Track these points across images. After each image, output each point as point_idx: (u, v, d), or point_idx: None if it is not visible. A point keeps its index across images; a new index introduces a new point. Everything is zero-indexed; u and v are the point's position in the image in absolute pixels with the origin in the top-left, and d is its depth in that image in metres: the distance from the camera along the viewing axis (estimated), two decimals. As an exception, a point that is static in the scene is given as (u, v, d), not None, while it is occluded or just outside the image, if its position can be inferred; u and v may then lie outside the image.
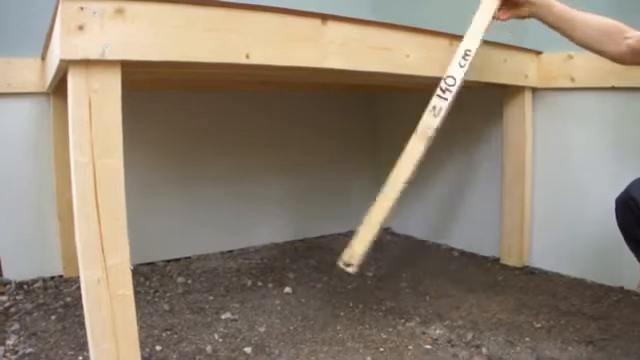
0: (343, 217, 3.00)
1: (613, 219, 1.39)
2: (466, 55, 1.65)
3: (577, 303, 1.91)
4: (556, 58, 2.16)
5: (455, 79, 1.61)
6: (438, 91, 1.60)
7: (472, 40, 1.68)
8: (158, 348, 1.57)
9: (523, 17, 1.66)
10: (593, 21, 1.54)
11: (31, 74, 2.03)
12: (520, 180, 2.28)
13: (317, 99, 2.82)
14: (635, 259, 1.39)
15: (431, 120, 1.58)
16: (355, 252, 1.53)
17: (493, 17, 1.67)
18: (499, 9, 1.67)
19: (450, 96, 1.59)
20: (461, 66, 1.63)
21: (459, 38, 1.87)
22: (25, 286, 2.06)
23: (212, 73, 1.82)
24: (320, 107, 2.85)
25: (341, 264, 1.54)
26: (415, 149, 1.59)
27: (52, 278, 2.14)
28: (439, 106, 1.58)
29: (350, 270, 1.52)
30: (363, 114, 3.02)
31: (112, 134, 1.20)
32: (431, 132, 1.57)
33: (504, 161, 2.33)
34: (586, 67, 2.07)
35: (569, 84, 2.12)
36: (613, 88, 1.92)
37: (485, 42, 1.99)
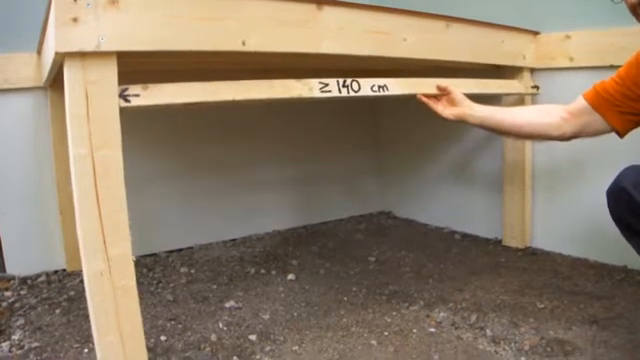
0: (345, 203, 3.01)
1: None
2: (384, 87, 1.65)
3: (580, 283, 1.92)
4: (554, 38, 2.15)
5: (360, 89, 1.60)
6: (341, 80, 1.57)
7: (397, 85, 1.68)
8: (163, 338, 1.58)
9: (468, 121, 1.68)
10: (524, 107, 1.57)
11: (28, 69, 2.02)
12: (521, 161, 2.28)
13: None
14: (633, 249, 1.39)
15: (315, 89, 1.52)
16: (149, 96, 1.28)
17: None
18: (437, 104, 1.72)
19: (344, 94, 1.57)
20: (372, 90, 1.62)
21: (456, 20, 1.87)
22: (29, 281, 2.07)
23: (210, 62, 1.81)
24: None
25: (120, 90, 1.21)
26: (278, 89, 1.49)
27: (55, 272, 2.15)
28: (331, 90, 1.55)
29: (123, 104, 1.22)
30: (365, 101, 3.01)
31: (110, 125, 1.19)
32: (303, 95, 1.51)
33: (505, 142, 2.32)
34: (584, 46, 2.06)
35: (567, 64, 2.12)
36: (612, 67, 1.90)
37: (482, 23, 1.99)
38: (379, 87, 1.65)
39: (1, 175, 2.06)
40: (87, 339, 1.56)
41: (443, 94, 1.72)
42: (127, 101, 1.22)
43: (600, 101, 1.42)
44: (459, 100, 1.68)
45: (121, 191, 1.21)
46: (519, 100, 2.23)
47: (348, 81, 1.58)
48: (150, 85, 1.26)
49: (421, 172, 2.89)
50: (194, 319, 1.72)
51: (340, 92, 1.56)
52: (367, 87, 1.62)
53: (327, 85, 1.54)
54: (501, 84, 2.12)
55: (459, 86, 1.75)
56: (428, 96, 1.72)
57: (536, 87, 2.19)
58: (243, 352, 1.50)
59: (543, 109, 1.61)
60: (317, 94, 1.52)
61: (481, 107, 1.65)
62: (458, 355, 1.44)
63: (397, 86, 1.68)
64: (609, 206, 1.37)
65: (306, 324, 1.67)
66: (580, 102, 1.47)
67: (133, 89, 1.23)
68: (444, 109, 1.70)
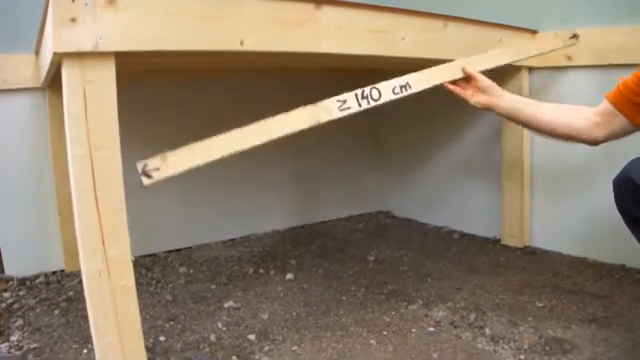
0: (344, 203, 3.01)
1: (613, 197, 1.38)
2: (406, 87, 1.55)
3: (579, 282, 1.92)
4: (552, 37, 2.15)
5: (380, 96, 1.50)
6: (359, 92, 1.47)
7: (420, 81, 1.57)
8: (162, 338, 1.58)
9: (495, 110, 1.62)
10: (556, 105, 1.54)
11: (26, 69, 2.02)
12: (519, 161, 2.28)
13: (317, 86, 2.80)
14: (637, 240, 1.38)
15: (334, 109, 1.45)
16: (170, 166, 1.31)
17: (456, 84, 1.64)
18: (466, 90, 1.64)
19: (364, 106, 1.49)
20: (394, 93, 1.53)
21: (454, 19, 1.87)
22: (27, 282, 2.06)
23: (208, 61, 1.81)
24: (319, 94, 2.82)
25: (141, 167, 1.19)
26: (295, 121, 1.48)
27: (54, 273, 2.15)
28: (350, 106, 1.46)
29: (146, 181, 1.20)
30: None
31: (108, 125, 1.19)
32: (323, 120, 1.45)
33: (503, 142, 2.32)
34: (583, 45, 2.05)
35: (566, 63, 2.11)
36: (610, 65, 1.91)
37: (480, 22, 1.99)
38: (401, 87, 1.55)
39: (-1, 176, 2.06)
40: (86, 340, 1.56)
41: (468, 80, 1.64)
42: (149, 177, 1.20)
43: (621, 99, 1.38)
44: (486, 87, 1.60)
45: (120, 191, 1.22)
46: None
47: (367, 91, 1.50)
48: (167, 154, 1.28)
49: (420, 171, 2.89)
50: (193, 319, 1.72)
51: (360, 105, 1.48)
52: (389, 91, 1.52)
53: (345, 102, 1.47)
54: (536, 46, 2.03)
55: (487, 60, 1.69)
56: (454, 83, 1.64)
57: (575, 36, 2.02)
58: (242, 352, 1.50)
59: (577, 110, 1.53)
60: (337, 114, 1.45)
61: (510, 97, 1.59)
62: (457, 354, 1.44)
63: (419, 82, 1.58)
64: (615, 197, 1.35)
65: (305, 324, 1.67)
66: (604, 103, 1.43)
67: (152, 163, 1.22)
68: (472, 96, 1.62)
